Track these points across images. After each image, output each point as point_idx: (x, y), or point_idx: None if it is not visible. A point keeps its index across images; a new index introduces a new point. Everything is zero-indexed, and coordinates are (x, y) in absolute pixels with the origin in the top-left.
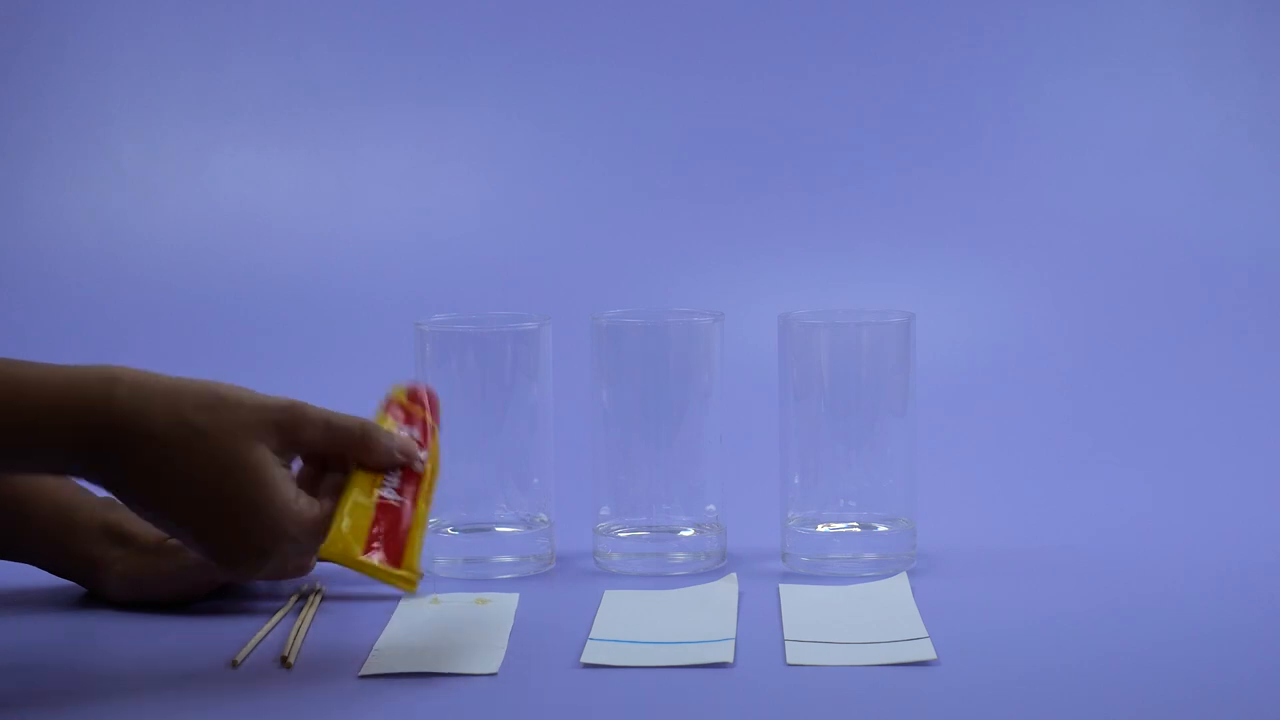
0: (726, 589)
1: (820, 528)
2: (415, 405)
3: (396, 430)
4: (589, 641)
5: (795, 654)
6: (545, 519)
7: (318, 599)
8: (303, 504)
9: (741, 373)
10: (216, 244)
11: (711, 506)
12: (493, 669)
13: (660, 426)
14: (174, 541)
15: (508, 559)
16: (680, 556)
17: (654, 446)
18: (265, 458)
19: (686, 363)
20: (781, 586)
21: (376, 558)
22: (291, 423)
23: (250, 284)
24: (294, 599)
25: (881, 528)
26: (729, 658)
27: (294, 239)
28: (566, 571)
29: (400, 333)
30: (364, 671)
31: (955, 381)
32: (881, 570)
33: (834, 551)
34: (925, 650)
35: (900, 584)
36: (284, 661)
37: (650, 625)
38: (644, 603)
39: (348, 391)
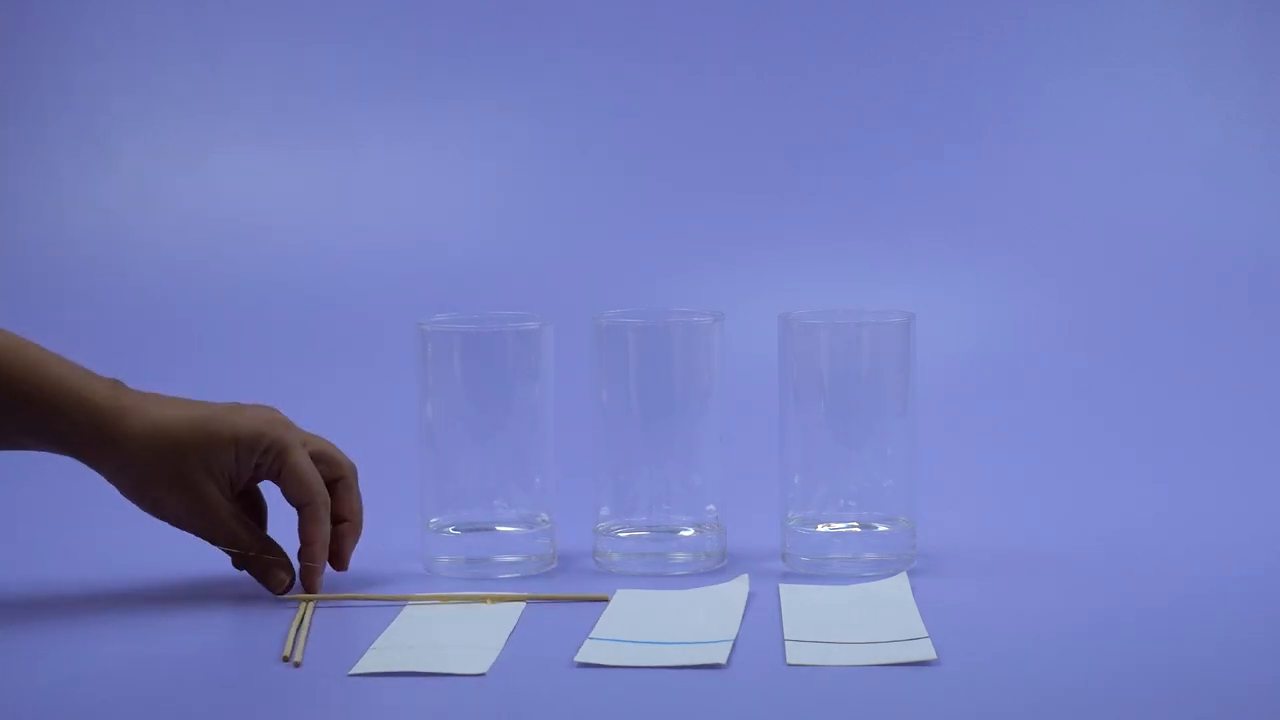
0: (736, 590)
1: (820, 528)
2: None
3: None
4: (587, 640)
5: (795, 654)
6: (546, 519)
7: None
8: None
9: (741, 373)
10: (216, 244)
11: (711, 506)
12: (481, 669)
13: (660, 426)
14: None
15: (510, 558)
16: (680, 556)
17: (654, 446)
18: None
19: (687, 363)
20: (781, 586)
21: None
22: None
23: (250, 284)
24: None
25: (881, 528)
26: (723, 659)
27: (294, 238)
28: (568, 571)
29: (401, 332)
30: (353, 670)
31: (955, 381)
32: (881, 570)
33: (834, 551)
34: (925, 650)
35: (900, 584)
36: (288, 660)
37: (652, 625)
38: (652, 603)
39: (347, 390)
